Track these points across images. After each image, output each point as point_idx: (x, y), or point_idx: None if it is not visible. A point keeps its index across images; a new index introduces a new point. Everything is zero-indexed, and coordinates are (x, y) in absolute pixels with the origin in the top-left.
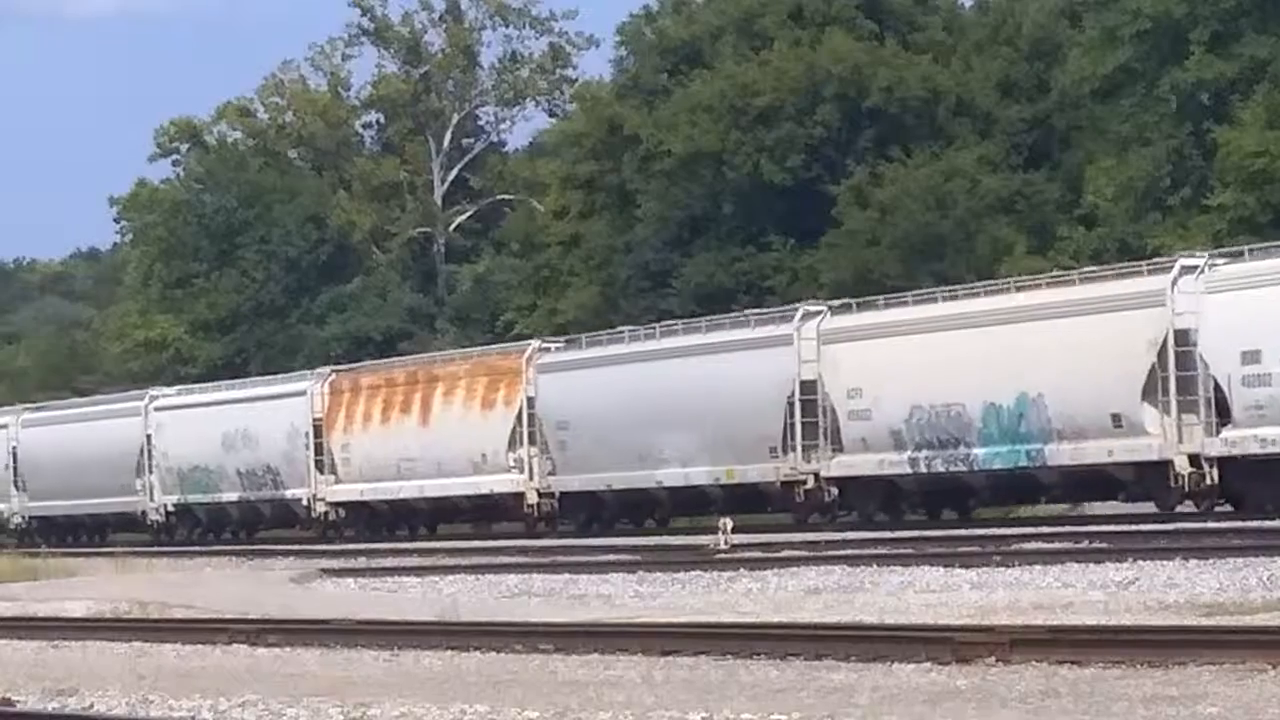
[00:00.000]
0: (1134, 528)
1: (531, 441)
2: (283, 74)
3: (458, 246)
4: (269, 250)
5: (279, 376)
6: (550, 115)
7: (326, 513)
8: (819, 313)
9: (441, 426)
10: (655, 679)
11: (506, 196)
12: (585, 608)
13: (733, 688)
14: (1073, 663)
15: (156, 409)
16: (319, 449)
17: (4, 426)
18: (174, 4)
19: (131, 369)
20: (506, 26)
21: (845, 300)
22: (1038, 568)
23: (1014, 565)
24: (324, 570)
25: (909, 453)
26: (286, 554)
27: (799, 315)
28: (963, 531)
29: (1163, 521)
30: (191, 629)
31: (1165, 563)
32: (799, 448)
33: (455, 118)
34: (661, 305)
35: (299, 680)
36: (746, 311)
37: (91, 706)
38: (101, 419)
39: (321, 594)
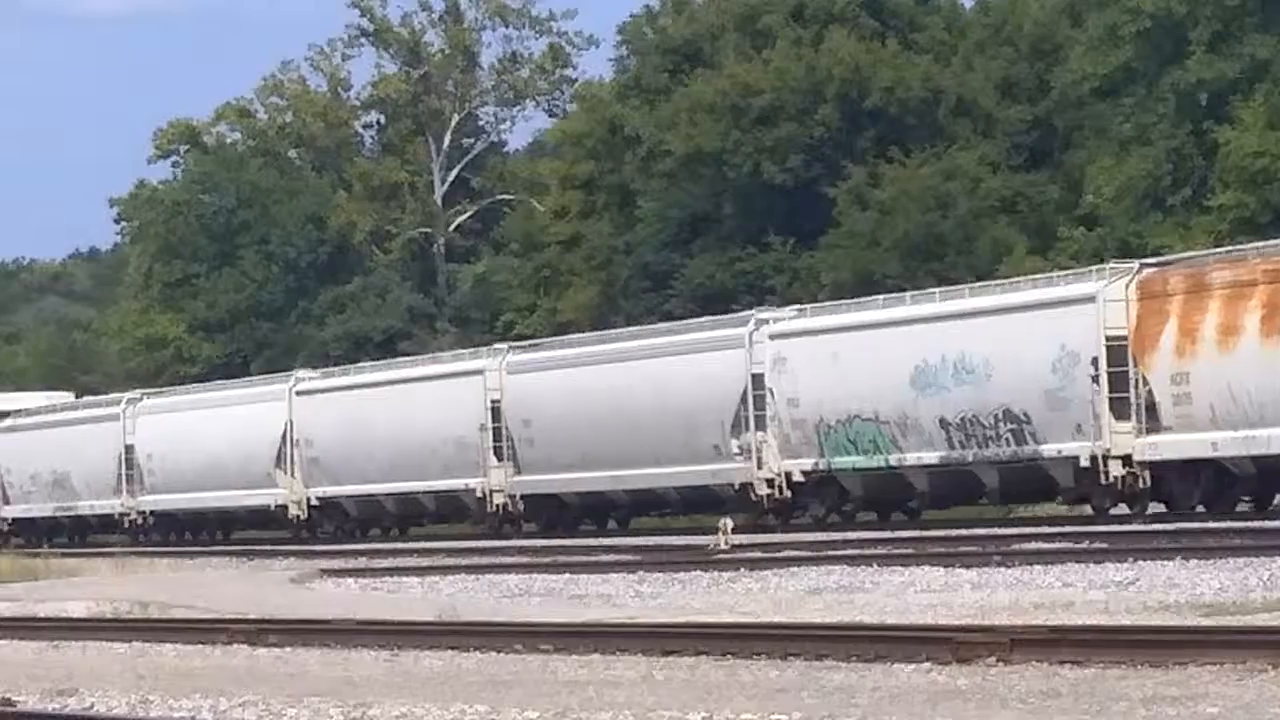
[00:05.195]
0: (1134, 528)
1: None
2: (282, 74)
3: (458, 246)
4: (269, 250)
5: (1029, 279)
6: (550, 115)
7: (1124, 477)
8: None
9: None
10: (655, 679)
11: (506, 196)
12: (585, 608)
13: (733, 688)
14: (1073, 663)
15: (773, 336)
16: (1116, 382)
17: (479, 372)
18: (174, 4)
19: (130, 367)
20: (506, 27)
21: None
22: (1038, 568)
23: (1014, 565)
24: (324, 570)
25: None
26: (286, 554)
27: None
28: (963, 531)
29: (1163, 521)
30: (191, 629)
31: (1165, 563)
32: None
33: (455, 118)
34: (663, 306)
35: (299, 680)
36: None
37: (91, 707)
38: (663, 355)
39: (321, 594)
